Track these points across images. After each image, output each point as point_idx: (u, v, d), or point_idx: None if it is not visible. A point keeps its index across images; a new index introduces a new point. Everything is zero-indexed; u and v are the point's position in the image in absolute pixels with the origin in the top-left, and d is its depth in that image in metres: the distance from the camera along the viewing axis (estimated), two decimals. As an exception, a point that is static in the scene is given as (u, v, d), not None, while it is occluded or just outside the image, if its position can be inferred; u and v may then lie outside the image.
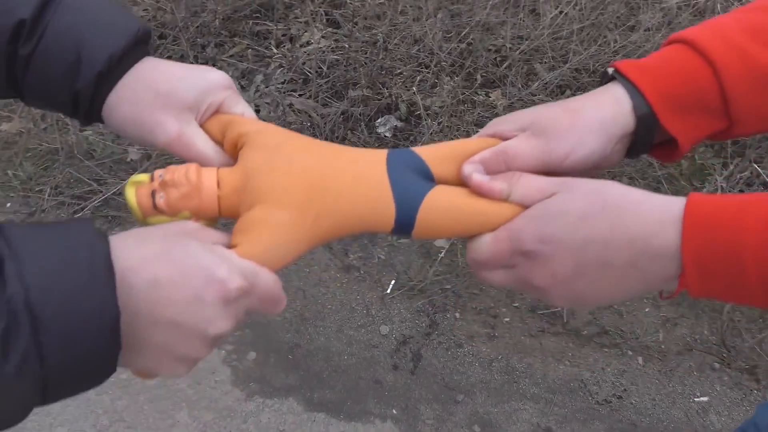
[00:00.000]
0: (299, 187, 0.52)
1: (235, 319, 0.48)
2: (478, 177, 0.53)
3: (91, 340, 0.41)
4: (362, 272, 1.97)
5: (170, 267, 0.45)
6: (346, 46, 2.57)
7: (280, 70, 2.51)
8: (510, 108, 2.41)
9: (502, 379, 1.74)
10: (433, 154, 0.56)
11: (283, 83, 2.50)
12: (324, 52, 2.58)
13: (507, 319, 1.87)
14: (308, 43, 2.62)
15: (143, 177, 0.53)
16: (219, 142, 0.58)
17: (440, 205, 0.54)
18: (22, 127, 2.28)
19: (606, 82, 0.58)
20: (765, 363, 1.78)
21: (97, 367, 0.43)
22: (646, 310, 1.90)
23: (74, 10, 0.55)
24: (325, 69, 2.51)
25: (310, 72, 2.48)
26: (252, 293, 0.48)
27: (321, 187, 0.53)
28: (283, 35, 2.70)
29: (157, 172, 0.53)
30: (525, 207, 0.52)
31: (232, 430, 1.61)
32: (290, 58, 2.55)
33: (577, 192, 0.51)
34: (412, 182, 0.54)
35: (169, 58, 2.44)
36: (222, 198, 0.53)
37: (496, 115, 2.37)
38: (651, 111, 0.54)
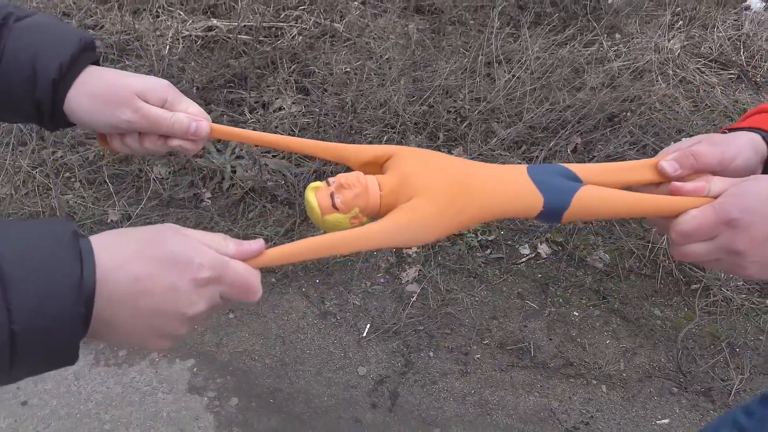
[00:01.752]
0: (447, 187, 0.65)
1: (209, 302, 0.55)
2: (680, 184, 0.67)
3: (57, 301, 0.46)
4: (338, 318, 2.06)
5: (147, 263, 0.51)
6: (316, 110, 2.74)
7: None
8: (471, 163, 2.58)
9: (476, 412, 1.82)
10: (585, 169, 0.71)
11: (257, 146, 2.64)
12: (295, 116, 2.74)
13: (478, 356, 1.96)
14: (280, 109, 2.79)
15: (320, 183, 0.64)
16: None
17: (598, 193, 0.68)
18: (4, 193, 2.35)
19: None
20: (719, 385, 1.90)
21: (64, 332, 0.47)
22: (607, 342, 2.02)
23: (25, 32, 0.66)
24: (296, 132, 2.67)
25: (282, 135, 2.63)
26: (221, 281, 0.55)
27: (466, 186, 0.65)
28: (255, 102, 2.86)
29: (331, 179, 0.64)
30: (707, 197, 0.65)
31: (217, 472, 1.65)
32: (263, 123, 2.70)
33: (762, 179, 0.64)
34: (558, 179, 0.68)
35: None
36: (383, 197, 0.64)
37: (459, 169, 2.54)
38: None
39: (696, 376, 1.93)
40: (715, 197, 0.65)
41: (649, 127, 2.76)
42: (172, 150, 0.75)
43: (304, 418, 1.78)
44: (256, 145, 2.54)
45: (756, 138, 0.72)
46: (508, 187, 0.67)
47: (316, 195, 0.63)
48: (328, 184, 0.64)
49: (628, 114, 2.85)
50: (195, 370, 1.89)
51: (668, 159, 0.69)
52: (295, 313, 2.07)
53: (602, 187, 0.69)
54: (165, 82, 0.72)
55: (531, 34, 3.23)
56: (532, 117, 2.73)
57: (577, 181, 0.69)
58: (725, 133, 0.75)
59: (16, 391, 1.81)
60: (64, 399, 1.80)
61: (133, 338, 0.54)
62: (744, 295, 2.13)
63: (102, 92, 0.68)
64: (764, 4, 3.94)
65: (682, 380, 1.91)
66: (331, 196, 0.63)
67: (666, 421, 1.81)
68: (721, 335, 2.03)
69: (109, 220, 2.32)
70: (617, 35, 3.56)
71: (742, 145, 0.70)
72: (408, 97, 2.85)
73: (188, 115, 0.72)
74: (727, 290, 2.13)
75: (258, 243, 0.58)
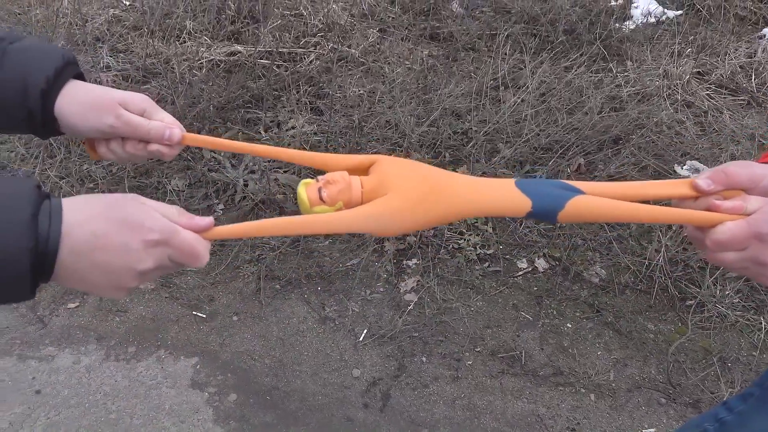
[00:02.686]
0: (419, 187, 0.73)
1: (157, 262, 0.63)
2: (720, 202, 0.74)
3: (8, 234, 0.54)
4: (337, 323, 2.14)
5: (107, 222, 0.60)
6: (327, 129, 2.86)
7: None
8: (475, 180, 2.67)
9: (465, 415, 1.87)
10: (593, 186, 0.77)
11: (270, 161, 2.77)
12: (307, 134, 2.87)
13: (470, 362, 2.02)
14: (293, 128, 2.92)
15: (310, 180, 0.73)
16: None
17: (596, 202, 0.75)
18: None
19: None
20: (708, 398, 1.92)
21: (13, 261, 0.55)
22: (598, 353, 2.06)
23: (17, 52, 0.77)
24: (307, 149, 2.79)
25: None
26: (169, 245, 0.63)
27: (436, 188, 0.74)
28: (271, 121, 3.00)
29: (320, 177, 0.73)
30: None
31: (212, 462, 1.73)
32: (276, 140, 2.83)
33: None
34: (549, 188, 0.75)
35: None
36: (364, 194, 0.73)
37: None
38: None
39: (685, 389, 1.95)
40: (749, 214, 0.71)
41: (651, 149, 2.81)
42: (152, 155, 0.85)
43: (299, 415, 1.86)
44: (267, 160, 2.67)
45: None
46: (490, 192, 0.75)
47: (306, 189, 0.72)
48: (317, 180, 0.73)
49: (632, 136, 2.90)
50: (198, 367, 1.99)
51: (702, 177, 0.76)
52: (296, 317, 2.16)
53: (602, 198, 0.75)
54: (143, 95, 0.82)
55: (541, 60, 3.33)
56: (538, 136, 2.82)
57: (577, 192, 0.76)
58: None
59: (31, 381, 1.92)
60: (75, 389, 1.91)
61: (91, 287, 0.63)
62: (739, 312, 2.15)
63: (88, 101, 0.78)
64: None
65: (671, 392, 1.94)
66: (319, 190, 0.71)
67: (652, 430, 1.84)
68: (714, 350, 2.06)
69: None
70: (628, 62, 3.63)
71: None
72: (417, 118, 2.96)
73: (163, 123, 0.82)
74: (722, 306, 2.16)
75: (207, 219, 0.67)
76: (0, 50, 0.76)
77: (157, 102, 0.86)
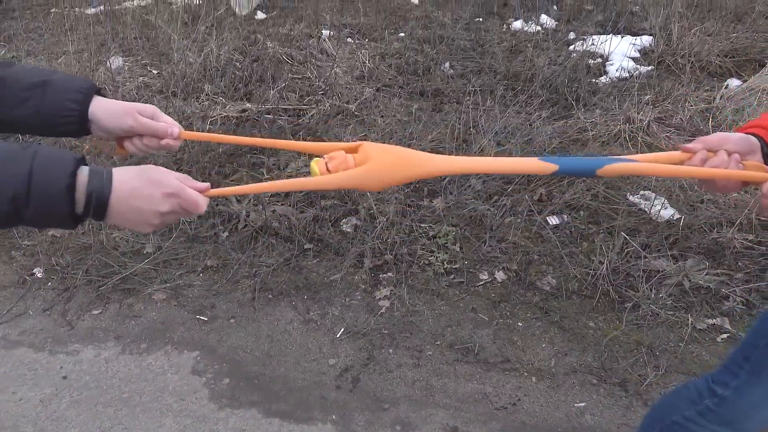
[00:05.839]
0: (391, 158, 1.06)
1: (171, 207, 0.96)
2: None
3: (56, 174, 0.82)
4: (318, 323, 2.49)
5: (139, 180, 0.89)
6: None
7: (267, 187, 3.23)
8: (447, 209, 3.04)
9: (422, 394, 2.18)
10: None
11: (270, 196, 3.19)
12: (304, 174, 3.30)
13: (430, 353, 2.34)
14: (292, 170, 3.36)
15: (319, 159, 1.07)
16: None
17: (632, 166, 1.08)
18: (63, 232, 2.96)
19: None
20: (634, 378, 2.20)
21: (58, 196, 0.81)
22: (543, 345, 2.37)
23: (59, 83, 1.11)
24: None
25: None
26: (179, 197, 0.96)
27: (406, 159, 1.06)
28: (273, 164, 3.45)
29: (326, 156, 1.07)
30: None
31: (207, 428, 2.06)
32: (276, 179, 3.27)
33: None
34: (579, 159, 1.08)
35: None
36: (355, 165, 1.06)
37: (436, 215, 3.00)
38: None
39: (615, 372, 2.24)
40: None
41: (608, 182, 3.17)
42: (162, 147, 1.25)
43: (281, 394, 2.19)
44: (268, 195, 3.09)
45: (748, 136, 1.09)
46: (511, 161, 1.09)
47: (317, 164, 1.07)
48: (323, 158, 1.08)
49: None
50: (198, 358, 2.35)
51: (700, 140, 1.09)
52: (284, 320, 2.52)
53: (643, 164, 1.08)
54: (151, 105, 1.20)
55: (513, 108, 3.76)
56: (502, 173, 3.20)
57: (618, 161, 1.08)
58: None
59: (59, 370, 2.30)
60: (95, 376, 2.27)
61: (129, 223, 0.96)
62: (670, 312, 2.45)
63: (114, 108, 1.15)
64: (740, 83, 4.37)
65: (603, 375, 2.23)
66: (326, 164, 1.06)
67: (582, 404, 2.12)
68: (645, 342, 2.35)
69: (145, 251, 2.87)
70: (597, 111, 4.04)
71: (736, 135, 1.08)
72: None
73: (166, 123, 1.18)
74: (655, 306, 2.46)
75: (205, 184, 1.03)
76: (43, 86, 1.11)
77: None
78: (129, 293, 2.67)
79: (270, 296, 2.64)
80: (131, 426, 2.08)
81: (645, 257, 2.67)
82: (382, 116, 4.01)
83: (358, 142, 1.11)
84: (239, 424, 2.08)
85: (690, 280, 2.56)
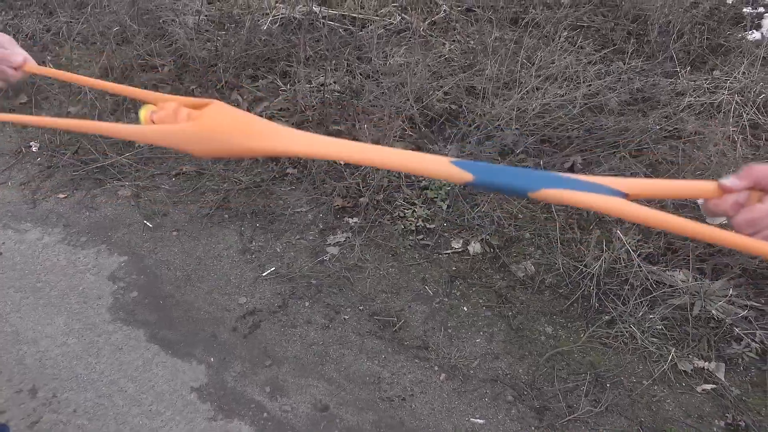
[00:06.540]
0: (221, 124, 0.87)
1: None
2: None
3: None
4: (253, 256, 2.30)
5: None
6: (349, 89, 2.99)
7: (278, 99, 3.01)
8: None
9: (312, 360, 1.94)
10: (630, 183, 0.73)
11: (279, 110, 2.98)
12: (320, 91, 3.03)
13: (346, 317, 2.07)
14: (321, 84, 3.09)
15: (152, 106, 0.94)
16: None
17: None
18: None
19: None
20: (558, 408, 1.79)
21: None
22: (477, 341, 2.00)
23: None
24: (315, 103, 2.96)
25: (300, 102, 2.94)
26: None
27: (245, 129, 0.84)
28: (303, 75, 3.20)
29: (152, 106, 0.93)
30: None
31: (90, 338, 2.00)
32: (291, 93, 3.03)
33: None
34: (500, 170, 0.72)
35: (218, 80, 3.08)
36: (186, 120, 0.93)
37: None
38: None
39: (542, 394, 1.83)
40: None
41: (680, 158, 2.56)
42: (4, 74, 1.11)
43: (176, 322, 2.06)
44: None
45: None
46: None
47: (144, 112, 0.92)
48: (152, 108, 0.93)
49: (658, 146, 2.66)
50: (122, 264, 2.27)
51: (729, 178, 0.75)
52: (223, 244, 2.35)
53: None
54: (7, 35, 1.06)
55: (602, 55, 3.14)
56: (545, 127, 2.70)
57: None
58: None
59: (0, 245, 2.35)
60: (26, 258, 2.29)
61: None
62: (654, 339, 1.95)
63: None
64: None
65: (525, 393, 1.84)
66: (151, 114, 0.90)
67: (481, 421, 1.77)
68: (600, 367, 1.89)
69: (137, 144, 2.82)
70: (715, 73, 3.26)
71: None
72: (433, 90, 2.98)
73: (9, 52, 1.04)
74: (635, 327, 1.96)
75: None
76: None
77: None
78: (98, 184, 2.64)
79: (226, 216, 2.48)
80: (25, 316, 2.07)
81: (655, 263, 2.13)
82: (455, 40, 3.55)
83: (209, 100, 0.89)
84: (119, 341, 1.99)
85: (703, 306, 2.01)
